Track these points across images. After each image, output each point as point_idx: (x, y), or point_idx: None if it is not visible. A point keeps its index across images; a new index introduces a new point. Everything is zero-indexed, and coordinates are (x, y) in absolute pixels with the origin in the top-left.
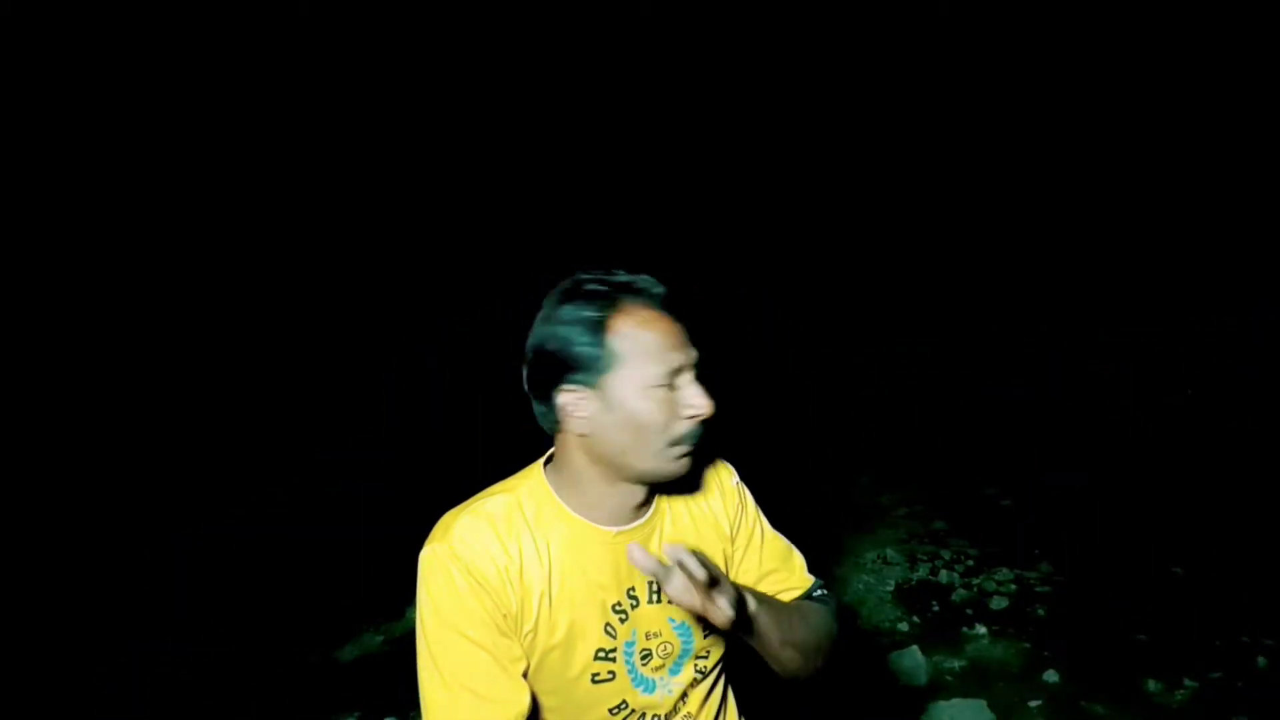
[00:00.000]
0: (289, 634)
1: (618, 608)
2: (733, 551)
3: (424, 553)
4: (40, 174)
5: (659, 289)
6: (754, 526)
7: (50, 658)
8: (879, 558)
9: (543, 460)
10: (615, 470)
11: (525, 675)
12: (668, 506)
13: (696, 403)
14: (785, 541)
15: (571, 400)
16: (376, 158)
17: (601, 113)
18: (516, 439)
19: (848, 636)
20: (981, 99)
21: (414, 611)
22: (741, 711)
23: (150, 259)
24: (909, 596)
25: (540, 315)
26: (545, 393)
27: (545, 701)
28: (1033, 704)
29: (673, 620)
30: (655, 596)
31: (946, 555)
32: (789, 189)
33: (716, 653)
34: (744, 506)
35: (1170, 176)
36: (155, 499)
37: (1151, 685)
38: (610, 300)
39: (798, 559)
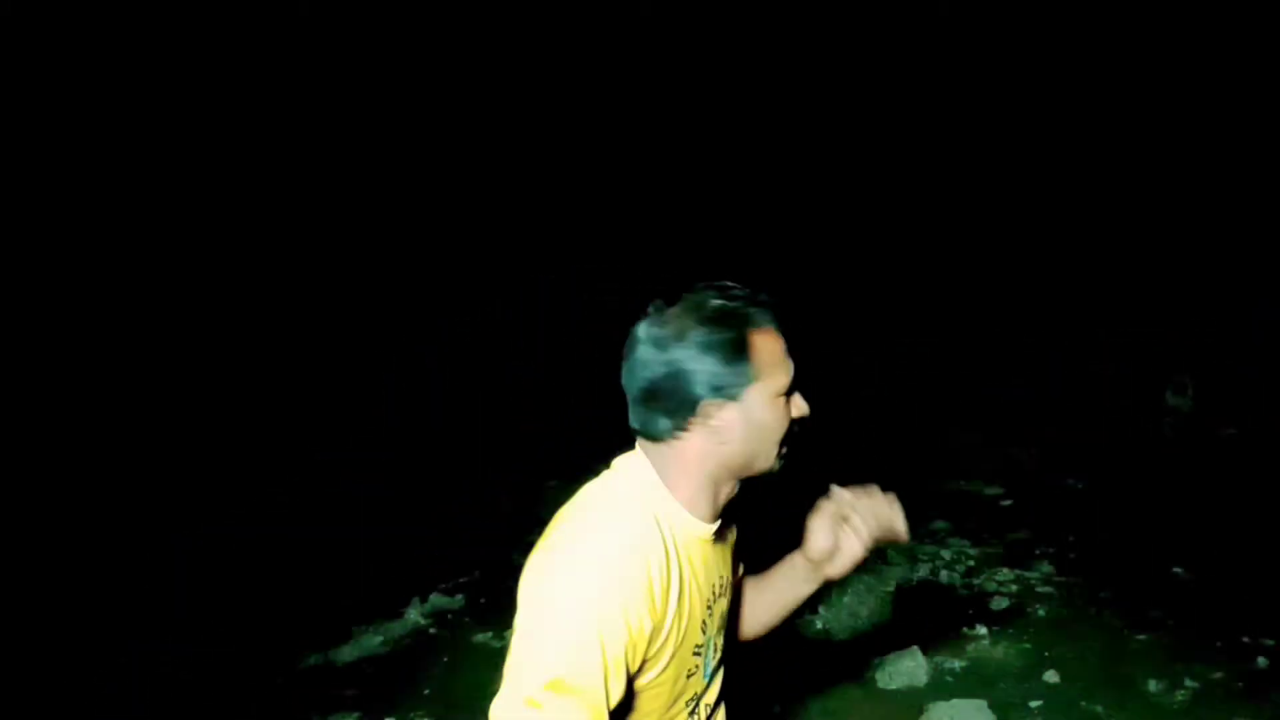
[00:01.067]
0: (289, 634)
1: (710, 602)
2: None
3: (558, 581)
4: (38, 173)
5: (772, 303)
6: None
7: (50, 658)
8: (879, 558)
9: (642, 463)
10: (735, 473)
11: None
12: None
13: (803, 407)
14: None
15: (716, 413)
16: (375, 157)
17: (598, 113)
18: (517, 439)
19: (847, 637)
20: (981, 99)
21: (413, 612)
22: (740, 714)
23: (149, 259)
24: (909, 597)
25: (665, 334)
26: (682, 407)
27: (645, 706)
28: (1033, 704)
29: (723, 613)
30: (722, 589)
31: (947, 555)
32: (788, 189)
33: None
34: None
35: (1170, 176)
36: (155, 499)
37: (1152, 685)
38: (747, 318)
39: None
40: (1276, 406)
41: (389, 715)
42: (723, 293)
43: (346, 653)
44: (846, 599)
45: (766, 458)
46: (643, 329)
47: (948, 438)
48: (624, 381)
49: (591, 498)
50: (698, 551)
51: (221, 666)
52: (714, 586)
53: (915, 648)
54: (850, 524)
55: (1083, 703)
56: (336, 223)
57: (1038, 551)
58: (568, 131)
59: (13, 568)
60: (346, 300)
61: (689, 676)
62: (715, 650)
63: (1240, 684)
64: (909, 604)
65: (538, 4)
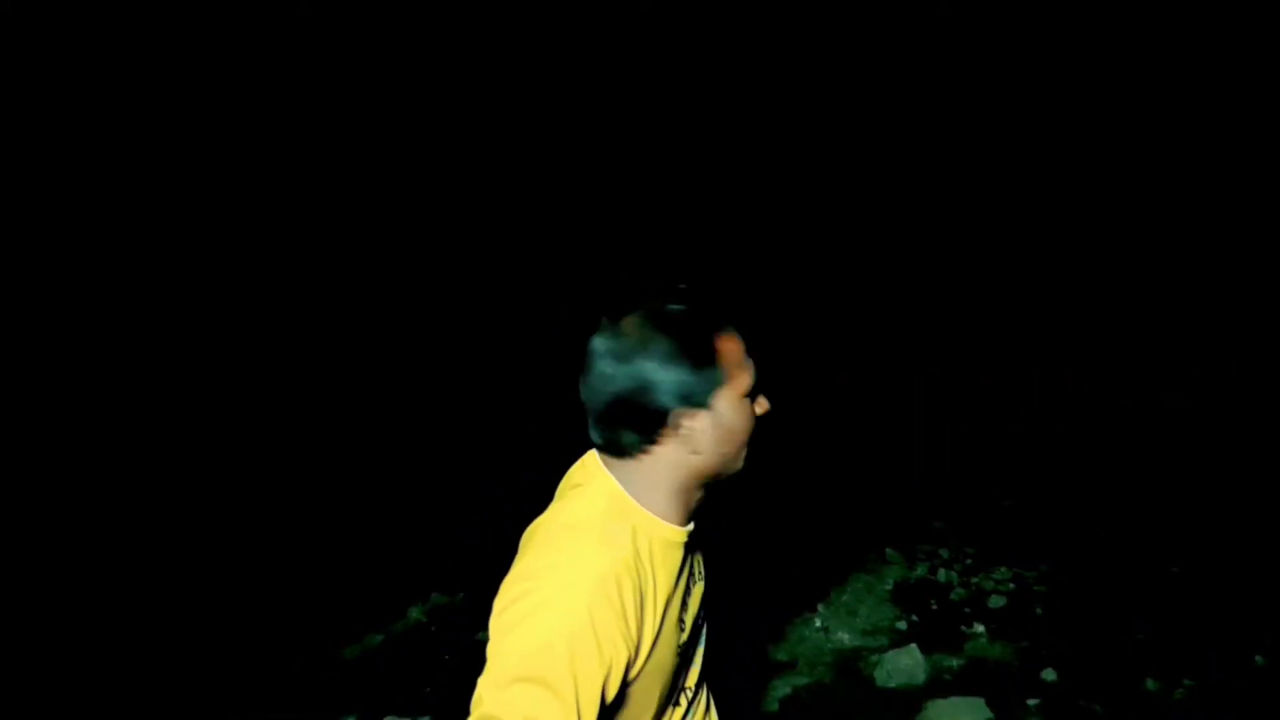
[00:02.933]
0: (290, 632)
1: (685, 598)
2: None
3: (527, 621)
4: (38, 173)
5: (729, 304)
6: None
7: (50, 658)
8: (877, 556)
9: (608, 480)
10: (705, 480)
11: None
12: None
13: (766, 405)
14: None
15: (688, 422)
16: (366, 158)
17: (588, 116)
18: (518, 438)
19: (845, 635)
20: (979, 97)
21: (414, 611)
22: (736, 713)
23: (152, 260)
24: (907, 595)
25: (626, 345)
26: (651, 420)
27: (636, 712)
28: (1031, 702)
29: (700, 596)
30: (696, 578)
31: (945, 554)
32: (793, 190)
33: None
34: None
35: (1171, 177)
36: (155, 498)
37: (1150, 684)
38: (710, 322)
39: None
40: (1277, 406)
41: (389, 713)
42: (680, 297)
43: (348, 650)
44: (845, 598)
45: (737, 459)
46: (599, 342)
47: (947, 437)
48: (584, 398)
49: (562, 520)
50: (671, 557)
51: (222, 664)
52: (685, 582)
53: (913, 646)
54: None
55: (1080, 701)
56: (339, 224)
57: (1036, 550)
58: (566, 132)
59: (15, 566)
60: (349, 298)
61: (673, 675)
62: (697, 633)
63: (1238, 683)
64: (907, 602)
65: (526, 11)
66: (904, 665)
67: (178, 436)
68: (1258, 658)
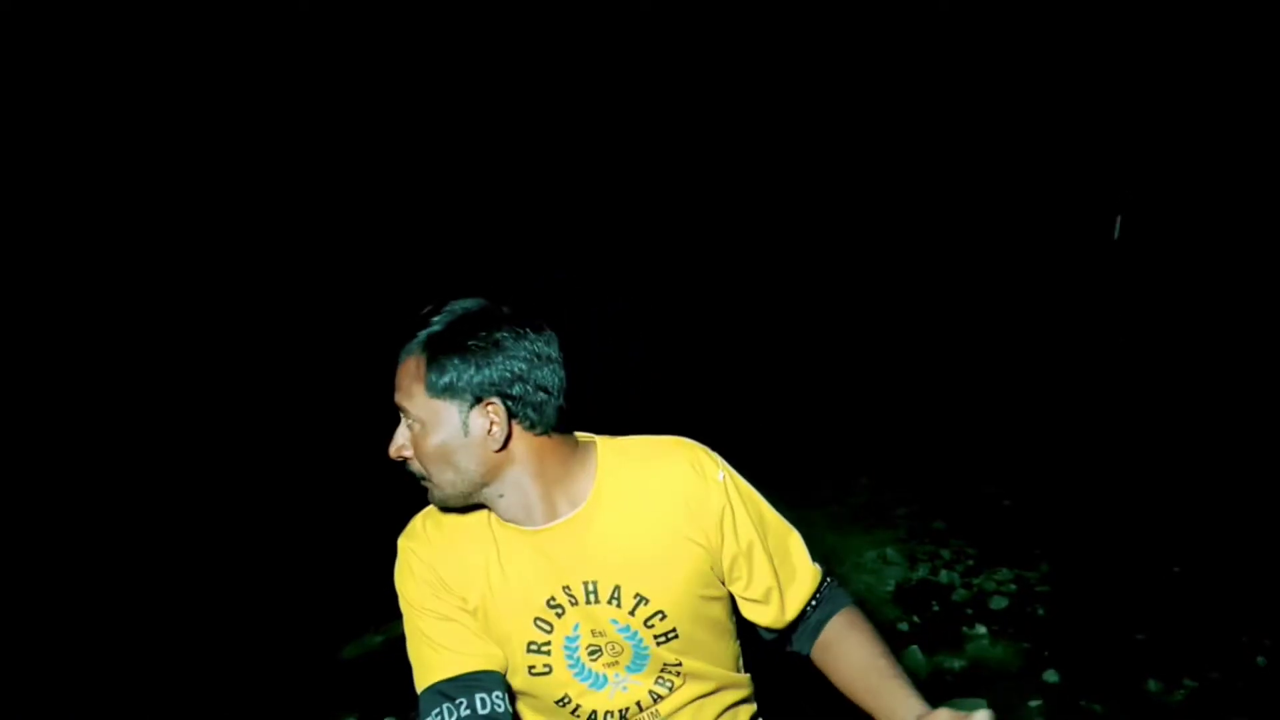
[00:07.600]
0: (290, 632)
1: (552, 602)
2: (724, 559)
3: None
4: (37, 173)
5: (420, 329)
6: (752, 533)
7: (50, 658)
8: (879, 557)
9: None
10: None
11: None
12: (611, 499)
13: (394, 447)
14: (789, 548)
15: None
16: (364, 158)
17: (593, 112)
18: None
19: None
20: (980, 98)
21: None
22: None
23: (154, 260)
24: (909, 596)
25: None
26: None
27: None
28: (1033, 704)
29: (615, 622)
30: (593, 598)
31: (946, 555)
32: (787, 187)
33: (701, 668)
34: (734, 506)
35: (1170, 175)
36: (153, 499)
37: (1151, 685)
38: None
39: (801, 568)
40: (1276, 406)
41: (389, 714)
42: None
43: (347, 652)
44: None
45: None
46: None
47: (948, 437)
48: None
49: None
50: (521, 548)
51: (222, 665)
52: (565, 588)
53: (915, 647)
54: None
55: (1082, 702)
56: (336, 226)
57: (1037, 551)
58: (564, 131)
59: (14, 566)
60: (348, 299)
61: (534, 673)
62: (612, 656)
63: (1239, 683)
64: (908, 603)
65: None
66: (905, 666)
67: (176, 437)
68: (1259, 658)
